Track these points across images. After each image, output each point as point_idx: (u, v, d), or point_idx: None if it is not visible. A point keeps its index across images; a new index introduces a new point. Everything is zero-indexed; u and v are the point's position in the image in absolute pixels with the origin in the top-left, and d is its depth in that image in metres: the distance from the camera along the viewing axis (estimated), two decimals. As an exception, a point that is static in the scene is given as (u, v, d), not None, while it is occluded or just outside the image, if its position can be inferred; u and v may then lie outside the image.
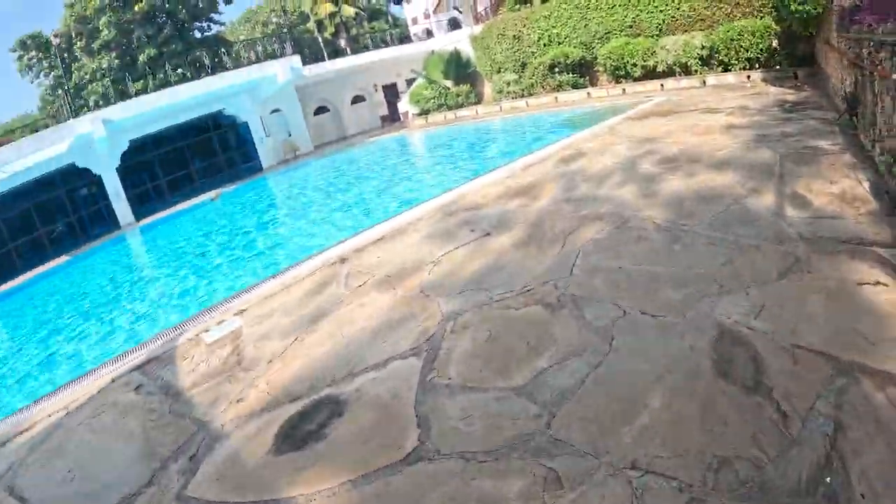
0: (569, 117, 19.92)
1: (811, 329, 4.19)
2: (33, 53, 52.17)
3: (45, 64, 52.55)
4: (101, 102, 43.60)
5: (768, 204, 6.70)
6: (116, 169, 27.75)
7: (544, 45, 25.46)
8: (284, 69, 30.72)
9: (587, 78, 24.50)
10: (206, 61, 35.82)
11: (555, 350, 4.72)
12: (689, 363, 4.12)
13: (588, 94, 23.09)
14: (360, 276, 7.60)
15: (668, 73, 20.53)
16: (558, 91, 24.65)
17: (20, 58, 52.34)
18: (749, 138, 9.67)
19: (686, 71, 20.06)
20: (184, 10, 50.17)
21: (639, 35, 21.83)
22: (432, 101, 31.56)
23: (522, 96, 26.60)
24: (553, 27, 24.89)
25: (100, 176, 27.31)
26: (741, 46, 18.14)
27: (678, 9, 20.59)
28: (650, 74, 21.17)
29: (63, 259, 23.60)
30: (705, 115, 12.50)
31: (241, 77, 30.48)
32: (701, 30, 19.99)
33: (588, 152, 11.30)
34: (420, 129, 30.14)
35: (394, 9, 70.58)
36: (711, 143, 9.69)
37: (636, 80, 21.70)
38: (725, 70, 18.87)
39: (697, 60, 19.47)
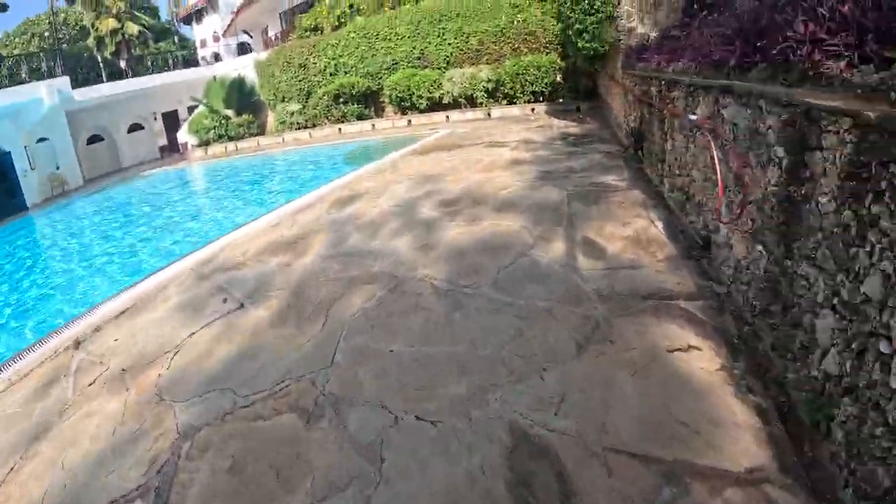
0: (352, 150, 18.79)
1: (623, 422, 3.37)
2: None
3: None
4: None
5: (559, 254, 5.87)
6: None
7: (331, 74, 24.29)
8: (51, 92, 27.44)
9: (373, 109, 23.65)
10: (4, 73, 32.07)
11: (311, 483, 3.46)
12: (480, 489, 3.09)
13: (373, 125, 22.16)
14: (93, 370, 5.71)
15: (454, 104, 20.09)
16: (343, 122, 23.58)
17: None
18: (535, 175, 9.02)
19: (472, 103, 19.69)
20: None
21: (426, 67, 21.18)
22: (212, 130, 29.44)
23: (306, 127, 25.21)
24: (340, 56, 23.79)
25: None
26: (527, 80, 18.11)
27: (466, 42, 20.18)
28: (436, 106, 20.62)
29: None
30: (490, 150, 11.84)
31: (2, 99, 26.80)
32: (488, 63, 19.73)
33: (365, 193, 10.07)
34: (199, 162, 27.78)
35: (184, 29, 67.69)
36: (496, 181, 8.90)
37: (422, 111, 21.06)
38: (511, 103, 18.80)
39: (483, 93, 19.20)
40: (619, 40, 11.91)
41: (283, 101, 26.57)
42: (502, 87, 18.80)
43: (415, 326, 5.10)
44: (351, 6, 25.13)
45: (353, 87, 22.85)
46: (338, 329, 5.37)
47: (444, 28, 20.64)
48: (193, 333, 6.00)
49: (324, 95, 23.83)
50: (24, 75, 36.65)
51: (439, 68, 20.88)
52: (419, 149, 13.86)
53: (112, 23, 40.26)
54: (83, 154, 35.06)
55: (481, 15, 19.79)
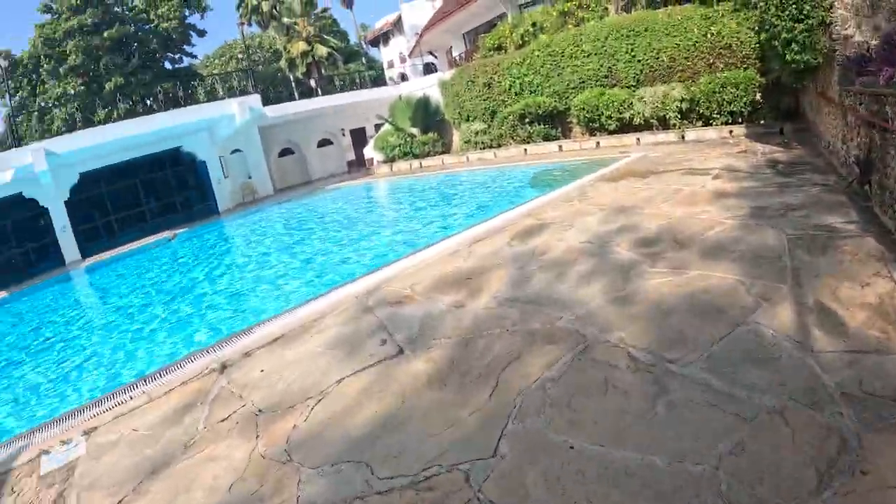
0: (538, 173, 18.34)
1: None
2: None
3: (10, 84, 49.51)
4: (63, 129, 42.51)
5: (787, 324, 4.83)
6: (65, 202, 26.31)
7: (515, 93, 23.95)
8: (242, 108, 29.23)
9: (559, 129, 23.01)
10: (180, 93, 34.40)
11: None
12: None
13: (559, 146, 21.59)
14: (230, 403, 5.62)
15: (645, 126, 19.14)
16: (528, 143, 23.16)
17: None
18: (745, 212, 7.97)
19: (664, 124, 18.65)
20: (155, 41, 50.25)
21: (615, 85, 20.38)
22: (398, 148, 29.99)
23: (491, 147, 25.04)
24: (525, 75, 23.40)
25: (47, 208, 25.85)
26: (723, 99, 16.77)
27: (657, 58, 19.12)
28: (626, 127, 19.74)
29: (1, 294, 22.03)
30: (688, 178, 10.90)
31: (198, 114, 28.92)
32: (681, 81, 18.57)
33: (551, 224, 9.51)
34: (384, 178, 28.51)
35: (372, 51, 69.99)
36: (700, 218, 7.96)
37: (611, 132, 20.21)
38: (706, 124, 17.54)
39: (676, 113, 18.08)
40: (834, 50, 10.34)
41: (467, 120, 26.47)
42: (697, 107, 17.59)
43: (604, 414, 4.18)
44: (534, 24, 24.68)
45: (539, 107, 22.37)
46: (508, 403, 4.57)
47: (632, 44, 19.70)
48: (342, 379, 5.62)
49: (509, 115, 23.50)
50: (220, 93, 38.39)
51: (629, 87, 20.00)
52: (609, 174, 13.15)
53: (302, 46, 42.39)
54: (275, 166, 37.40)
55: (671, 28, 18.67)
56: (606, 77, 20.70)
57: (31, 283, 22.99)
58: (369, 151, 33.58)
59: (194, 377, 6.35)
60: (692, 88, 17.72)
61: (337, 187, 29.89)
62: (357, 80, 45.70)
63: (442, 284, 7.65)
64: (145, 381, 6.69)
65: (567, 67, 21.73)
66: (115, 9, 49.92)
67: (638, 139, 18.69)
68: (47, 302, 18.45)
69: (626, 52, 19.89)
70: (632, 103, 19.28)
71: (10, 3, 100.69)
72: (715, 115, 17.09)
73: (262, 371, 6.14)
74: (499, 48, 26.44)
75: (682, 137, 17.32)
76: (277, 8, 48.46)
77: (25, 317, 16.85)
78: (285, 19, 44.70)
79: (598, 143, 20.19)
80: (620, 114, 19.56)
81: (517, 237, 9.15)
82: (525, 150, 22.87)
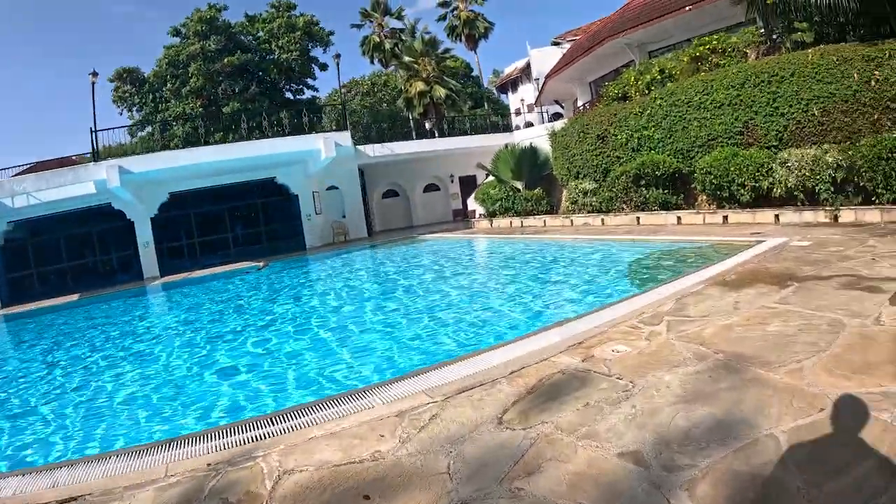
0: (643, 256, 14.37)
1: None
2: (128, 87, 53.06)
3: (136, 99, 53.29)
4: (180, 145, 43.93)
5: None
6: (151, 218, 27.96)
7: (633, 149, 20.28)
8: (328, 145, 27.27)
9: (681, 196, 19.00)
10: (305, 122, 34.07)
11: None
12: None
13: (678, 218, 17.70)
14: None
15: (787, 198, 14.98)
16: (643, 210, 19.38)
17: (116, 88, 53.13)
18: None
19: (812, 198, 14.48)
20: (276, 71, 51.69)
21: (751, 145, 16.39)
22: (499, 202, 26.88)
23: (600, 211, 21.36)
24: (645, 128, 19.72)
25: (133, 222, 27.65)
26: (892, 169, 12.54)
27: (805, 112, 15.00)
28: (762, 199, 15.65)
29: (74, 297, 23.80)
30: (852, 296, 6.83)
31: (288, 146, 27.85)
32: (835, 142, 14.40)
33: (597, 378, 5.37)
34: (483, 235, 25.37)
35: (504, 97, 67.68)
36: (884, 415, 3.80)
37: (743, 205, 16.16)
38: (867, 201, 13.28)
39: (829, 185, 13.89)
40: None
41: (576, 177, 22.98)
42: (856, 178, 13.35)
43: None
44: (661, 71, 20.91)
45: (658, 168, 18.58)
46: None
47: (774, 92, 15.68)
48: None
49: (622, 175, 19.82)
50: (329, 127, 37.53)
51: (768, 147, 15.96)
52: (729, 274, 8.99)
53: (420, 86, 40.72)
54: (377, 207, 37.88)
55: (825, 73, 14.60)
56: (741, 134, 16.68)
57: (103, 292, 23.92)
58: (472, 203, 30.73)
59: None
60: (850, 152, 13.49)
61: (430, 239, 27.48)
62: (480, 126, 43.32)
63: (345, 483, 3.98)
64: None
65: (694, 120, 17.92)
66: (240, 37, 51.95)
67: (777, 216, 14.56)
68: (121, 313, 18.66)
69: (767, 103, 15.85)
70: (771, 168, 15.22)
71: (147, 25, 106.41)
72: (880, 190, 12.84)
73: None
74: (623, 98, 22.70)
75: (835, 218, 13.26)
76: (399, 47, 48.24)
77: (127, 318, 17.49)
78: (406, 58, 43.09)
79: (725, 217, 16.19)
80: (756, 182, 15.48)
81: (521, 404, 5.04)
82: (637, 218, 19.14)
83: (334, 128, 34.58)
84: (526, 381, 5.56)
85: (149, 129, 52.23)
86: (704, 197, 17.82)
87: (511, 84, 62.30)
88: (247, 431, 5.20)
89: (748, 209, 15.76)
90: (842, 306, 6.41)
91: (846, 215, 13.20)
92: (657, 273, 11.78)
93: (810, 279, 7.85)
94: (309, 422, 5.24)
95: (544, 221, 24.03)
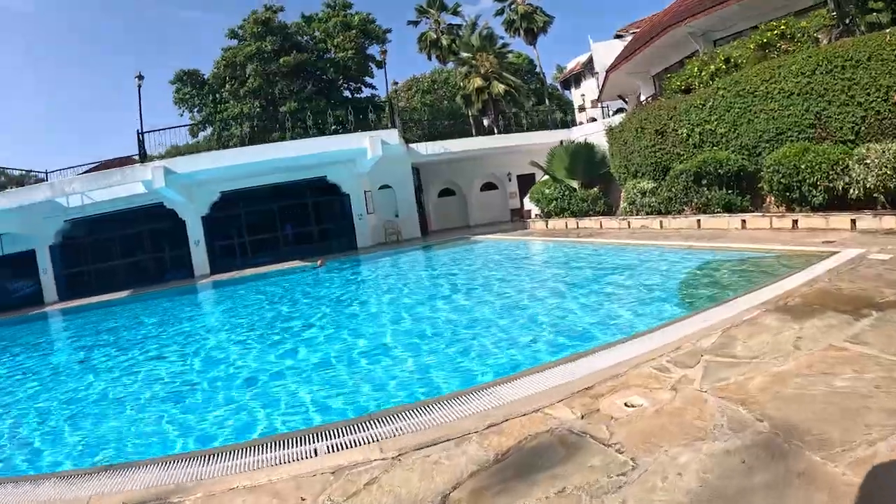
0: (698, 267, 12.77)
1: None
2: (188, 89, 53.84)
3: (196, 101, 54.08)
4: (238, 145, 43.71)
5: None
6: (202, 218, 28.51)
7: (694, 145, 18.68)
8: (374, 143, 26.46)
9: (747, 197, 17.24)
10: (354, 120, 34.00)
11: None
12: None
13: (742, 222, 15.98)
14: None
15: (867, 200, 13.18)
16: (705, 212, 17.75)
17: (177, 90, 54.07)
18: None
19: (894, 201, 12.76)
20: (332, 70, 51.88)
21: (825, 139, 14.65)
22: (554, 202, 25.40)
23: (659, 213, 19.80)
24: (706, 121, 18.10)
25: (184, 221, 28.23)
26: None
27: (885, 100, 13.21)
28: (837, 201, 13.87)
29: (126, 294, 24.95)
30: None
31: (331, 146, 27.53)
32: None
33: (605, 433, 4.27)
34: (539, 237, 23.87)
35: (568, 93, 66.04)
36: None
37: (815, 208, 14.38)
38: None
39: None
40: None
41: (634, 176, 21.44)
42: None
43: None
44: (727, 61, 19.21)
45: (721, 165, 16.96)
46: None
47: (850, 79, 13.88)
48: None
49: (682, 173, 18.24)
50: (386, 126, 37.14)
51: (844, 142, 14.19)
52: (793, 297, 7.42)
53: (478, 82, 39.78)
54: (433, 206, 37.40)
55: (910, 56, 12.84)
56: (812, 127, 14.91)
57: (154, 290, 24.64)
58: (528, 203, 29.44)
59: None
60: (941, 148, 11.85)
61: (482, 240, 26.34)
62: (542, 122, 42.05)
63: None
64: None
65: (760, 112, 16.24)
66: (297, 37, 52.18)
67: (853, 222, 12.71)
68: (169, 311, 18.88)
69: (842, 91, 14.05)
70: (847, 166, 13.40)
71: (207, 27, 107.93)
72: (979, 192, 11.21)
73: None
74: (686, 90, 20.98)
75: (926, 224, 11.64)
76: (457, 42, 47.44)
77: (174, 317, 17.57)
78: (463, 54, 42.19)
79: (795, 222, 14.42)
80: (830, 181, 13.69)
81: (480, 477, 3.83)
82: (698, 221, 17.50)
83: (389, 125, 33.52)
84: (501, 440, 4.42)
85: (210, 129, 54.34)
86: (773, 197, 16.11)
87: (574, 79, 60.75)
88: (179, 467, 4.72)
89: (821, 213, 13.96)
90: (935, 349, 4.99)
91: (937, 220, 11.52)
92: (710, 290, 10.24)
93: (893, 307, 6.36)
94: (243, 465, 4.62)
95: (600, 223, 22.55)
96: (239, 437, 6.20)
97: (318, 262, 24.70)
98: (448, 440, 4.52)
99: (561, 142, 27.42)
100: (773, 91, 15.80)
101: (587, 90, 55.53)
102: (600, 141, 25.47)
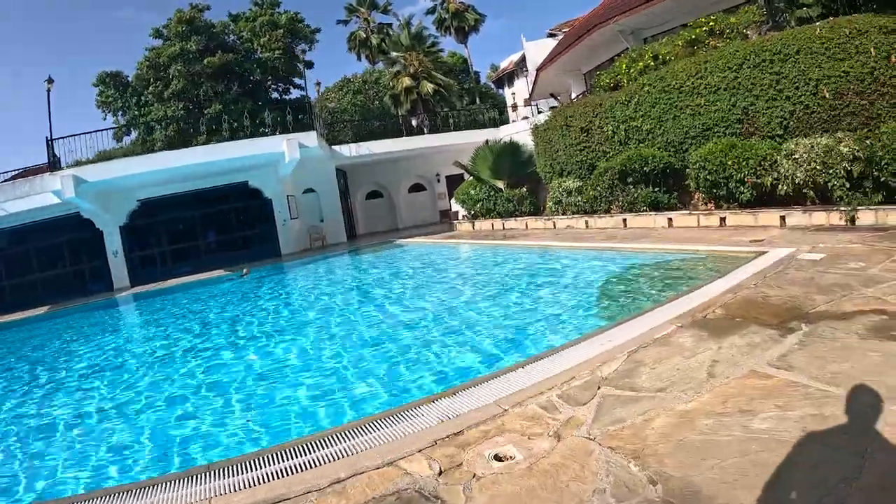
0: (616, 271, 11.67)
1: None
2: (112, 91, 51.90)
3: (119, 103, 52.16)
4: (163, 150, 41.41)
5: None
6: (121, 227, 27.38)
7: (620, 142, 17.93)
8: (291, 146, 25.15)
9: (674, 195, 16.54)
10: (303, 119, 32.77)
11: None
12: None
13: (669, 220, 15.27)
14: None
15: (795, 197, 12.54)
16: (631, 211, 17.00)
17: (100, 93, 52.07)
18: None
19: (824, 196, 12.09)
20: (259, 71, 50.15)
21: (752, 134, 13.96)
22: (479, 203, 24.52)
23: (585, 212, 18.98)
24: (632, 118, 17.37)
25: (101, 231, 27.05)
26: None
27: (814, 94, 12.58)
28: (766, 197, 13.20)
29: (44, 309, 23.51)
30: (889, 353, 4.42)
31: (248, 150, 25.95)
32: (851, 129, 12.03)
33: (460, 498, 3.29)
34: (462, 239, 22.97)
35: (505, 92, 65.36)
36: None
37: (744, 205, 13.69)
38: (890, 199, 10.89)
39: (843, 180, 11.48)
40: None
41: (560, 175, 20.61)
42: (876, 171, 10.95)
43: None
44: (655, 58, 18.45)
45: (646, 162, 16.20)
46: None
47: (778, 73, 13.23)
48: None
49: (606, 172, 17.46)
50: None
51: (772, 137, 13.53)
52: (714, 307, 6.42)
53: (407, 81, 38.91)
54: (361, 209, 36.89)
55: (836, 49, 12.22)
56: (740, 122, 14.21)
57: (72, 304, 23.28)
58: (455, 204, 28.59)
59: None
60: (869, 141, 11.13)
61: (407, 244, 25.43)
62: (474, 122, 41.38)
63: None
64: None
65: (686, 108, 15.52)
66: (223, 37, 50.50)
67: (783, 218, 12.05)
68: (86, 325, 17.78)
69: (769, 86, 13.36)
70: (776, 161, 12.74)
71: (130, 26, 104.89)
72: (905, 185, 10.56)
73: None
74: (615, 87, 20.19)
75: (852, 220, 10.86)
76: (387, 42, 46.36)
77: (91, 330, 16.42)
78: (392, 53, 41.38)
79: (723, 219, 13.68)
80: (759, 177, 13.03)
81: None
82: (624, 220, 16.74)
83: (321, 127, 32.61)
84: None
85: (135, 133, 51.88)
86: (700, 195, 15.42)
87: (507, 78, 60.19)
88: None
89: (749, 209, 13.28)
90: (873, 374, 4.08)
91: (865, 217, 10.81)
92: (625, 298, 9.30)
93: (825, 318, 5.47)
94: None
95: (526, 224, 21.71)
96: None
97: (244, 271, 23.58)
98: (285, 500, 3.50)
99: (486, 141, 26.44)
100: (699, 86, 15.08)
101: (519, 89, 54.97)
102: (528, 140, 24.62)
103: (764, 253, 9.22)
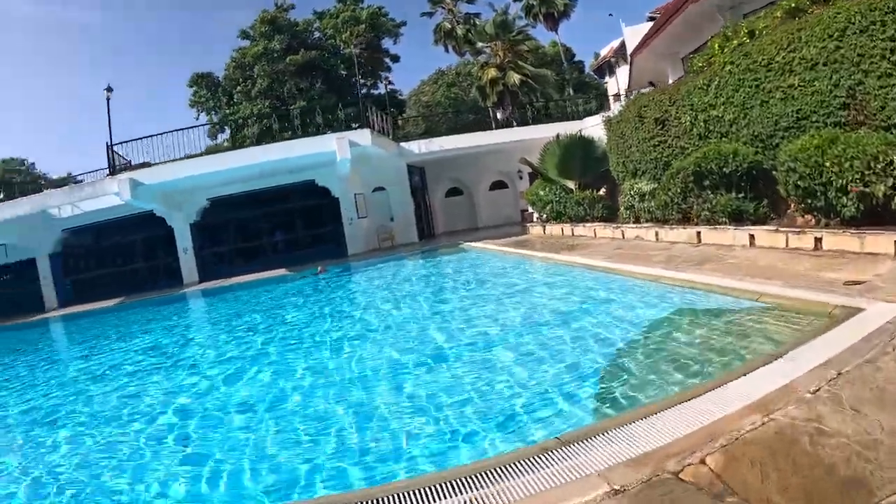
0: (644, 327, 7.95)
1: None
2: (203, 91, 53.78)
3: (210, 103, 53.88)
4: (251, 145, 42.44)
5: None
6: (191, 225, 28.23)
7: (699, 136, 14.62)
8: (342, 145, 23.72)
9: (765, 203, 12.79)
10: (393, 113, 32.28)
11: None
12: None
13: (751, 237, 11.81)
14: None
15: None
16: (709, 222, 13.56)
17: (194, 93, 54.02)
18: None
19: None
20: (343, 66, 50.65)
21: (861, 124, 10.34)
22: (549, 206, 21.55)
23: (658, 220, 15.72)
24: (712, 106, 14.04)
25: (172, 228, 27.95)
26: None
27: None
28: (878, 212, 9.47)
29: (117, 301, 25.12)
30: None
31: (299, 149, 25.15)
32: None
33: None
34: (525, 249, 19.87)
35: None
36: None
37: (846, 221, 9.92)
38: None
39: None
40: None
41: (633, 174, 17.41)
42: None
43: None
44: (752, 34, 14.86)
45: (726, 161, 12.74)
46: None
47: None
48: None
49: (678, 173, 14.19)
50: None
51: (887, 128, 9.81)
52: (709, 454, 3.54)
53: (492, 72, 36.44)
54: (440, 207, 35.36)
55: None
56: (844, 108, 10.57)
57: (143, 297, 24.72)
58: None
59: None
60: None
61: (472, 248, 23.12)
62: (574, 113, 38.66)
63: None
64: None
65: (776, 91, 12.03)
66: (305, 35, 51.25)
67: (897, 245, 8.51)
68: (150, 319, 18.70)
69: (882, 57, 9.76)
70: (892, 162, 9.02)
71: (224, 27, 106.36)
72: None
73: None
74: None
75: None
76: (472, 32, 44.41)
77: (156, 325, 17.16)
78: (478, 43, 39.81)
79: (818, 239, 10.06)
80: (867, 185, 9.37)
81: None
82: (698, 234, 13.42)
83: (387, 124, 31.15)
84: None
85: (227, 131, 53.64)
86: (793, 201, 11.85)
87: (608, 67, 56.46)
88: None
89: (854, 229, 9.58)
90: None
91: None
92: (623, 387, 5.93)
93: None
94: None
95: (594, 231, 18.64)
96: None
97: (319, 269, 23.15)
98: None
99: (556, 136, 23.19)
100: (791, 62, 11.56)
101: (621, 78, 51.40)
102: (595, 133, 21.77)
103: (855, 312, 5.73)
